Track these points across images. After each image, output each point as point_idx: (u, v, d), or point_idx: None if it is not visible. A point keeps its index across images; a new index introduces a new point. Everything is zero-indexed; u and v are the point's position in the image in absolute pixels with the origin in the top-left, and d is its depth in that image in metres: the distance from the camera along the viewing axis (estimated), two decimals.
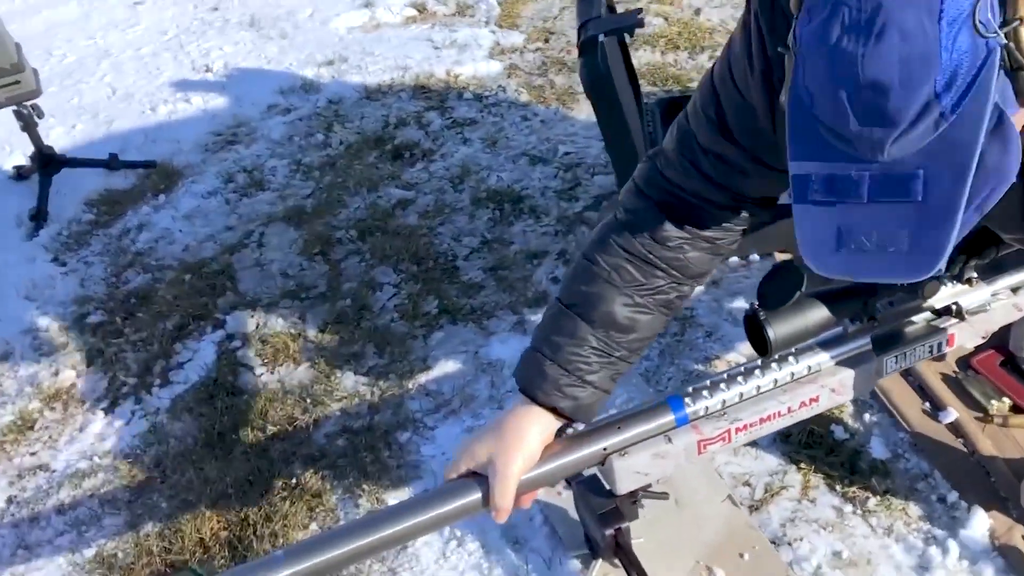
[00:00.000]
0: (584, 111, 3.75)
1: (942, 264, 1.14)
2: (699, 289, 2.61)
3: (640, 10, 2.59)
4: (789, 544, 2.04)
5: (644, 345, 1.66)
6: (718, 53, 4.30)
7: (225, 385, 2.68)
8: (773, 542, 2.04)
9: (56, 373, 2.86)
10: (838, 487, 2.14)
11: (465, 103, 3.91)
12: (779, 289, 1.65)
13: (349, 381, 2.63)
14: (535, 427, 1.58)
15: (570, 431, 1.68)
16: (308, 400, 2.59)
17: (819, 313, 1.74)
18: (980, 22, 1.05)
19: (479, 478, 1.58)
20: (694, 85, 3.76)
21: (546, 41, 4.35)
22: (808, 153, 1.18)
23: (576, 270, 1.65)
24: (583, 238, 3.01)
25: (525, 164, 3.45)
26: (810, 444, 2.23)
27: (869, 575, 1.96)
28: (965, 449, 2.17)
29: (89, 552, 2.31)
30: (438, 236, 3.14)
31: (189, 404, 2.65)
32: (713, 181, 1.56)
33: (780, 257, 2.74)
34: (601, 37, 2.52)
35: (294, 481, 2.36)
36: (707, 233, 1.61)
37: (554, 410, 1.59)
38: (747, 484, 2.17)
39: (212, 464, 2.44)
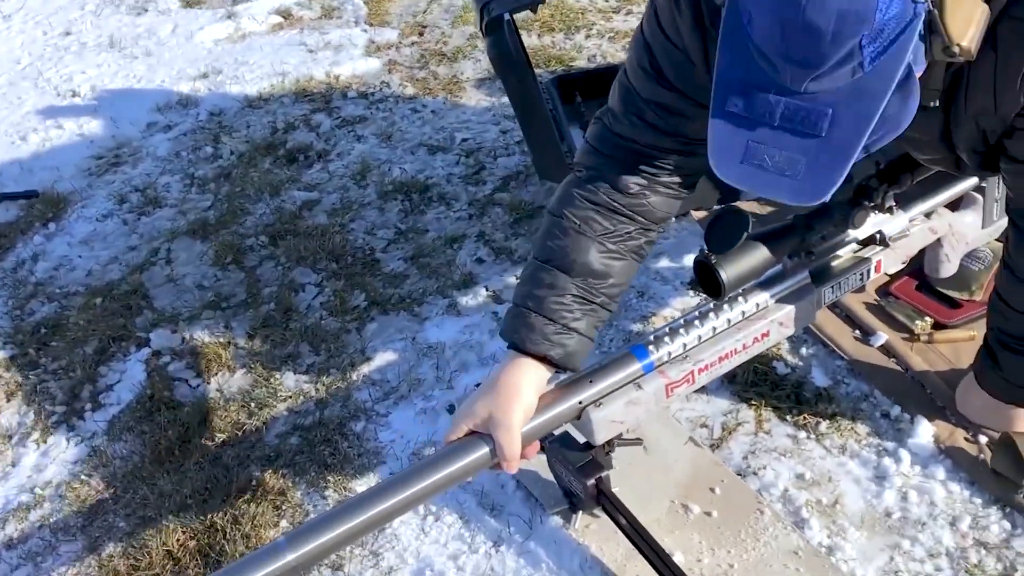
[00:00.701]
0: (473, 99, 3.88)
1: (826, 197, 1.33)
2: None
3: None
4: (755, 474, 2.19)
5: (620, 291, 1.80)
6: (593, 31, 4.41)
7: (163, 400, 2.70)
8: (739, 474, 2.19)
9: None
10: (788, 417, 2.31)
11: (351, 102, 3.99)
12: (726, 233, 1.81)
13: (290, 381, 2.69)
14: (528, 378, 1.69)
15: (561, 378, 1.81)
16: (252, 404, 2.63)
17: (763, 252, 1.91)
18: None
19: (482, 436, 1.69)
20: (577, 64, 3.94)
21: (420, 35, 4.45)
22: (735, 63, 1.35)
23: (547, 228, 1.78)
24: (499, 220, 3.13)
25: (425, 154, 3.56)
26: (756, 383, 2.40)
27: (832, 491, 2.13)
28: (899, 367, 2.36)
29: None
30: (351, 232, 3.22)
31: (128, 423, 2.66)
32: (661, 130, 1.71)
33: (697, 216, 2.90)
34: (507, 15, 2.64)
35: (254, 483, 2.40)
36: (664, 179, 1.75)
37: (544, 360, 1.71)
38: (704, 426, 2.33)
39: (165, 478, 2.47)
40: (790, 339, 2.46)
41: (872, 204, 2.05)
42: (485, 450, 1.68)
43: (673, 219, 2.92)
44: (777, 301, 2.04)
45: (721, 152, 1.38)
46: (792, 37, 1.24)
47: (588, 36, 4.16)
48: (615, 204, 1.73)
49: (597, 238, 1.73)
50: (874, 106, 1.27)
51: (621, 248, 1.75)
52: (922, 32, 1.29)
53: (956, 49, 1.30)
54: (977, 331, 2.29)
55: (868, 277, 2.17)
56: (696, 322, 1.96)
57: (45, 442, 2.69)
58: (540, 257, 1.76)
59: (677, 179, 1.77)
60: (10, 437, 2.74)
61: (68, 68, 4.64)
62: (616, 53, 3.99)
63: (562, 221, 1.74)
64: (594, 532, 2.10)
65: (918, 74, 1.33)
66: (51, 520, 2.46)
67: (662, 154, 1.74)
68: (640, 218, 1.76)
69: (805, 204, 1.35)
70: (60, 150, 4.01)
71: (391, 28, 4.55)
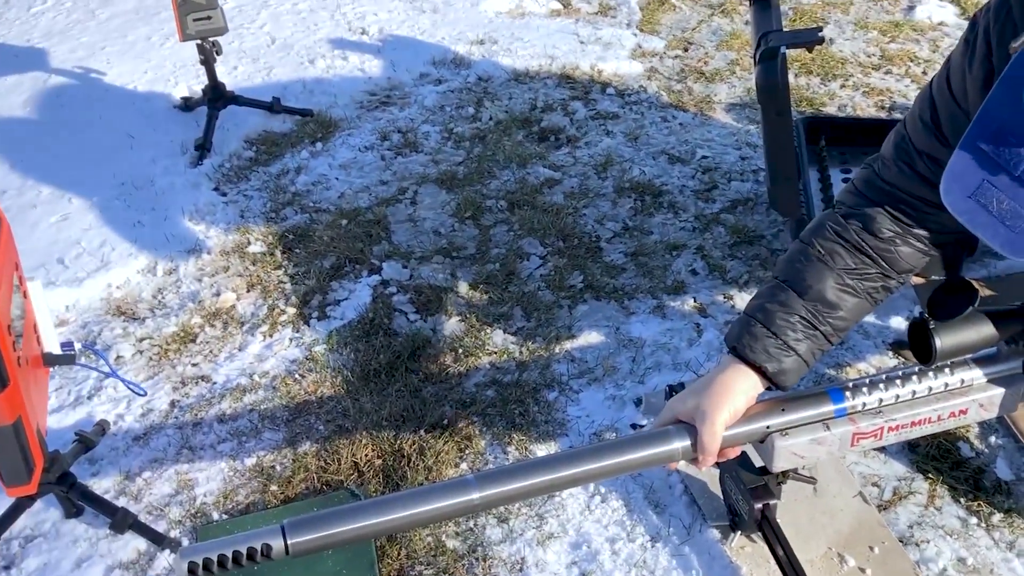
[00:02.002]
0: (721, 120, 3.81)
1: None
2: None
3: (820, 28, 2.64)
4: (916, 545, 2.09)
5: (847, 326, 1.73)
6: (849, 82, 4.26)
7: (381, 326, 2.77)
8: (901, 540, 2.10)
9: (217, 294, 2.97)
10: (962, 500, 2.20)
11: (608, 97, 3.99)
12: (950, 302, 1.72)
13: (498, 338, 2.71)
14: (741, 385, 1.66)
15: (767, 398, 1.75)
16: (460, 350, 2.67)
17: (983, 330, 1.79)
18: None
19: (687, 425, 1.66)
20: (826, 109, 3.83)
21: (685, 50, 4.41)
22: (1002, 105, 1.30)
23: (793, 252, 1.74)
24: (720, 238, 3.08)
25: (664, 162, 3.52)
26: (937, 457, 2.29)
27: None
28: None
29: (249, 461, 2.41)
30: (583, 217, 3.22)
31: (346, 339, 2.74)
32: (927, 180, 1.64)
33: (913, 280, 2.78)
34: (783, 49, 2.58)
35: (445, 422, 2.44)
36: (918, 231, 1.69)
37: (759, 371, 1.67)
38: (876, 485, 2.23)
39: (367, 397, 2.54)
40: (982, 424, 2.34)
41: None
42: (687, 441, 1.65)
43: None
44: (983, 382, 1.93)
45: (955, 180, 1.35)
46: None
47: (843, 86, 4.03)
48: (863, 244, 1.68)
49: (837, 270, 1.69)
50: None
51: (857, 285, 1.70)
52: None
53: None
54: None
55: None
56: (898, 381, 1.87)
57: (271, 336, 2.80)
58: (779, 277, 1.73)
59: (928, 234, 1.70)
60: (243, 323, 2.86)
61: (363, 7, 4.79)
62: (867, 108, 3.86)
63: (808, 249, 1.71)
64: (748, 555, 2.05)
65: None
66: (261, 407, 2.56)
67: (921, 204, 1.67)
68: (884, 263, 1.70)
69: (1010, 256, 1.31)
70: (340, 79, 4.16)
71: (659, 38, 4.52)
